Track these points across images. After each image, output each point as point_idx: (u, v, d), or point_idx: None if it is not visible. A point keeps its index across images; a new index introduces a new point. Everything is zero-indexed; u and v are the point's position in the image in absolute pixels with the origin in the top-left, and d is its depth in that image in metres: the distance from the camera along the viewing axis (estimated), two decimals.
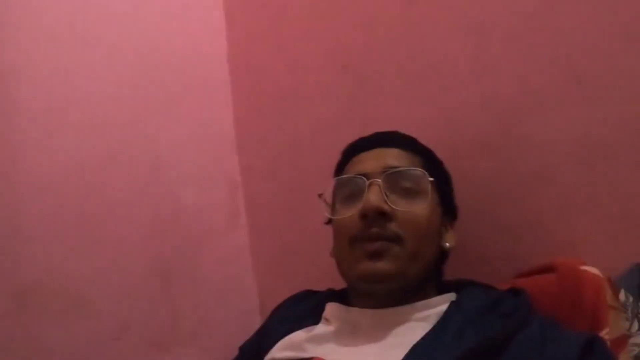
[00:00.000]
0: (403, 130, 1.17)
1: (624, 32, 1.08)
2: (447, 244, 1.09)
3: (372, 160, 1.07)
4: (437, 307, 1.00)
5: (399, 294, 1.00)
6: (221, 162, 1.63)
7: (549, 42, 1.17)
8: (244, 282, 1.61)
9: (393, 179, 1.03)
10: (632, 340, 1.00)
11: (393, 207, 0.99)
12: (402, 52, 1.37)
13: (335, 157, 1.19)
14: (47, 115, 1.32)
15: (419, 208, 1.01)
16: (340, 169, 1.16)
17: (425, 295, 1.04)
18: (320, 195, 1.10)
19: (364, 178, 1.03)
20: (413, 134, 1.16)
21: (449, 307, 0.98)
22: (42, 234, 1.27)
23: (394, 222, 0.99)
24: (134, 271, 1.39)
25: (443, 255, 1.11)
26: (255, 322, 1.56)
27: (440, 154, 1.17)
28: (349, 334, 1.00)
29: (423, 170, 1.05)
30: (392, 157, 1.07)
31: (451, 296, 1.04)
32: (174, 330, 1.43)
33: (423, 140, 1.16)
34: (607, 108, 1.10)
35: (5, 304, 1.20)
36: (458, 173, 1.19)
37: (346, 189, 1.07)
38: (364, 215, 0.99)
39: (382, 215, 0.98)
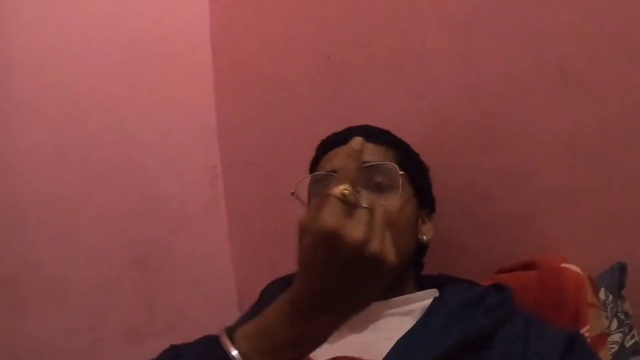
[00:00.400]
0: (386, 123, 1.17)
1: (612, 34, 1.09)
2: (425, 237, 1.09)
3: (343, 156, 1.05)
4: (421, 301, 1.00)
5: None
6: (201, 150, 1.61)
7: (537, 41, 1.16)
8: (221, 272, 1.59)
9: (364, 174, 0.98)
10: (611, 338, 1.02)
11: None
12: (388, 43, 1.36)
13: None
14: (21, 97, 1.29)
15: (391, 202, 1.00)
16: (314, 165, 1.15)
17: (405, 290, 1.04)
18: (292, 194, 1.08)
19: (335, 175, 1.01)
20: (396, 127, 1.15)
21: (433, 302, 0.97)
22: (16, 222, 1.25)
23: None
24: (110, 260, 1.37)
25: (421, 248, 1.11)
26: (233, 312, 1.55)
27: (424, 148, 1.16)
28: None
29: (393, 164, 1.03)
30: (364, 151, 1.05)
31: (434, 292, 1.04)
32: (149, 320, 1.42)
33: (406, 133, 1.15)
34: (593, 110, 1.11)
35: None
36: (441, 168, 1.20)
37: (319, 186, 1.06)
38: None
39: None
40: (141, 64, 1.50)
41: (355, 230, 0.66)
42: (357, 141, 0.75)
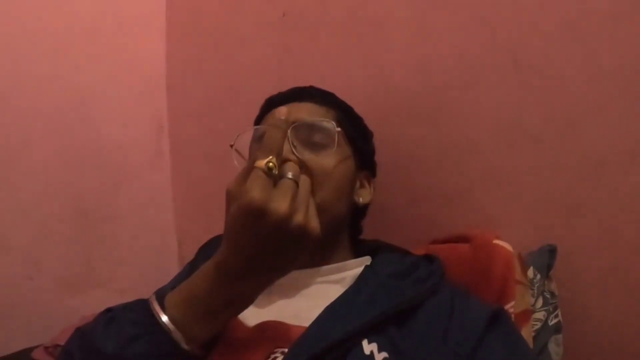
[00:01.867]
0: (335, 85, 1.15)
1: (565, 22, 1.08)
2: (361, 199, 1.09)
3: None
4: (352, 270, 1.00)
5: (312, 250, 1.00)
6: (149, 100, 1.58)
7: (493, 20, 1.16)
8: (162, 224, 1.58)
9: (301, 131, 1.00)
10: (536, 316, 1.04)
11: (299, 156, 0.97)
12: (345, 6, 1.33)
13: None
14: None
15: (326, 158, 1.00)
16: (257, 122, 1.14)
17: (339, 256, 1.04)
18: (231, 146, 1.06)
19: None
20: (344, 90, 1.14)
21: (364, 270, 0.97)
22: None
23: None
24: (50, 208, 1.35)
25: (357, 211, 1.11)
26: (173, 265, 1.55)
27: (371, 114, 1.15)
28: (265, 294, 0.99)
29: (330, 121, 1.02)
30: (305, 111, 1.05)
31: (366, 260, 1.04)
32: (88, 271, 1.41)
33: (354, 97, 1.14)
34: (539, 94, 1.11)
35: None
36: (386, 136, 1.19)
37: (259, 141, 1.04)
38: None
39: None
40: (90, 8, 1.46)
41: (280, 203, 0.71)
42: (281, 111, 0.78)
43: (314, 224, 0.74)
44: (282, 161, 0.77)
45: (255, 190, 0.70)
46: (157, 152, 1.58)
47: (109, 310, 0.90)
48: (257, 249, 0.73)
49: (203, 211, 1.54)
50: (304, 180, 0.77)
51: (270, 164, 0.73)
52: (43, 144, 1.34)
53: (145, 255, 1.52)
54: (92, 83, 1.44)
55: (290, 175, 0.74)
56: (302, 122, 1.01)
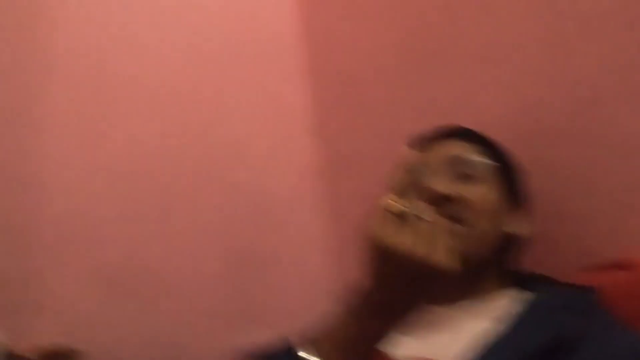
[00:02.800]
0: (473, 115, 1.22)
1: None
2: (513, 231, 1.09)
3: (434, 152, 1.11)
4: (502, 303, 1.00)
5: (462, 280, 0.99)
6: (301, 147, 1.61)
7: (631, 23, 1.10)
8: (319, 268, 1.60)
9: (454, 166, 1.07)
10: None
11: (453, 189, 1.02)
12: (476, 35, 1.33)
13: None
14: (123, 93, 1.41)
15: (478, 191, 1.04)
16: (416, 147, 1.18)
17: (486, 288, 1.05)
18: None
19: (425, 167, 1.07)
20: (484, 119, 1.18)
21: (516, 304, 0.97)
22: (121, 218, 1.35)
23: (453, 204, 1.01)
24: (211, 255, 1.44)
25: (508, 243, 1.10)
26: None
27: (512, 141, 1.15)
28: (413, 328, 1.00)
29: (482, 157, 1.08)
30: (457, 148, 1.10)
31: (515, 293, 1.03)
32: (247, 313, 1.47)
33: (495, 127, 1.15)
34: None
35: (92, 285, 1.30)
36: (530, 161, 1.17)
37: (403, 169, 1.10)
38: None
39: (442, 199, 1.00)
40: (244, 61, 1.56)
41: (403, 238, 0.73)
42: (405, 152, 0.85)
43: (440, 256, 0.75)
44: (417, 195, 0.82)
45: (377, 226, 0.74)
46: (314, 197, 1.60)
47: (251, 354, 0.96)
48: (388, 284, 0.75)
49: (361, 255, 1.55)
50: (429, 215, 0.78)
51: (391, 201, 0.76)
52: (204, 196, 1.45)
53: (303, 299, 1.55)
54: (248, 136, 1.53)
55: (414, 212, 0.76)
56: (454, 156, 1.08)
